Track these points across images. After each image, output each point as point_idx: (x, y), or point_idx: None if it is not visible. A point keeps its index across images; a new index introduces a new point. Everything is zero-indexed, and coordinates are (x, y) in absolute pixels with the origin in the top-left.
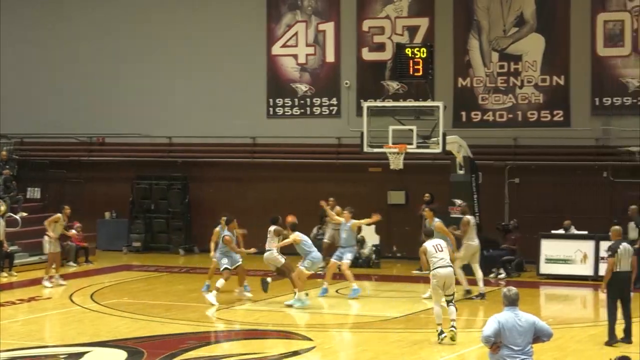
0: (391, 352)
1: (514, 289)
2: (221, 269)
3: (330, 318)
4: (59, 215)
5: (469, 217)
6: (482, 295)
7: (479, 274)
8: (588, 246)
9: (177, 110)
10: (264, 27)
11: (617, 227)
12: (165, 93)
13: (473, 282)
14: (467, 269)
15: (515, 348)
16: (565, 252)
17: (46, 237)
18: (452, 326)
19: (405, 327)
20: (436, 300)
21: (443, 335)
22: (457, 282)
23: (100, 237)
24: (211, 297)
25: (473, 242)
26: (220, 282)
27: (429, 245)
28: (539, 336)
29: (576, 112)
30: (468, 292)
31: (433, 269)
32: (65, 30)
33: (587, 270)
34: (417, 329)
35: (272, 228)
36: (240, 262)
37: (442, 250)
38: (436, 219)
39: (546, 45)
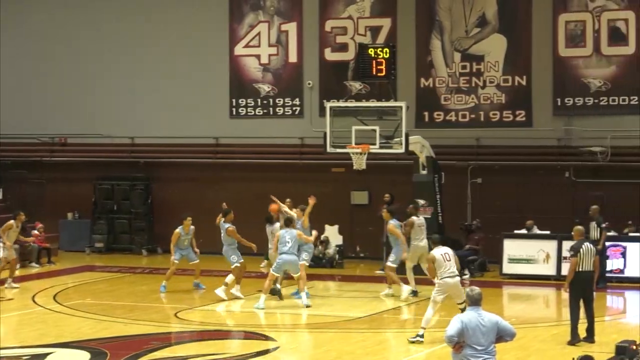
0: (355, 352)
1: (477, 289)
2: (232, 266)
3: (293, 318)
4: (11, 222)
5: (414, 218)
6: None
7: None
8: (550, 246)
9: (140, 110)
10: (227, 28)
11: (579, 227)
12: (127, 93)
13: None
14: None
15: (479, 348)
16: (528, 252)
17: (1, 244)
18: None
19: (368, 327)
20: (432, 306)
21: (420, 339)
22: (406, 282)
23: (63, 237)
24: (220, 291)
25: (420, 243)
26: (230, 278)
27: (437, 254)
28: (502, 336)
29: (538, 112)
30: (415, 292)
31: (441, 279)
32: (26, 31)
33: (549, 270)
34: (381, 329)
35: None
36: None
37: (449, 260)
38: (391, 221)
39: (508, 45)
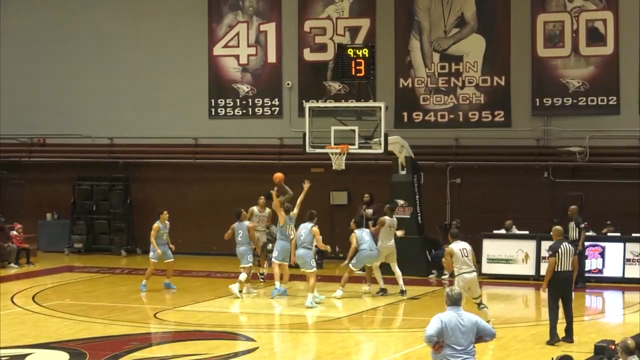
0: (335, 352)
1: (456, 289)
2: (247, 265)
3: (273, 319)
4: None
5: (386, 218)
6: (403, 292)
7: (397, 272)
8: (529, 246)
9: (119, 111)
10: (205, 28)
11: (558, 227)
12: (106, 93)
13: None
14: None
15: (458, 348)
16: (507, 252)
17: None
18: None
19: (348, 327)
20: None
21: None
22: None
23: (42, 238)
24: (234, 287)
25: (388, 243)
26: (243, 276)
27: (457, 248)
28: (481, 336)
29: (517, 112)
30: (383, 290)
31: (459, 274)
32: (4, 32)
33: (528, 270)
34: (361, 329)
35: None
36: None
37: (467, 256)
38: (356, 230)
39: (487, 46)
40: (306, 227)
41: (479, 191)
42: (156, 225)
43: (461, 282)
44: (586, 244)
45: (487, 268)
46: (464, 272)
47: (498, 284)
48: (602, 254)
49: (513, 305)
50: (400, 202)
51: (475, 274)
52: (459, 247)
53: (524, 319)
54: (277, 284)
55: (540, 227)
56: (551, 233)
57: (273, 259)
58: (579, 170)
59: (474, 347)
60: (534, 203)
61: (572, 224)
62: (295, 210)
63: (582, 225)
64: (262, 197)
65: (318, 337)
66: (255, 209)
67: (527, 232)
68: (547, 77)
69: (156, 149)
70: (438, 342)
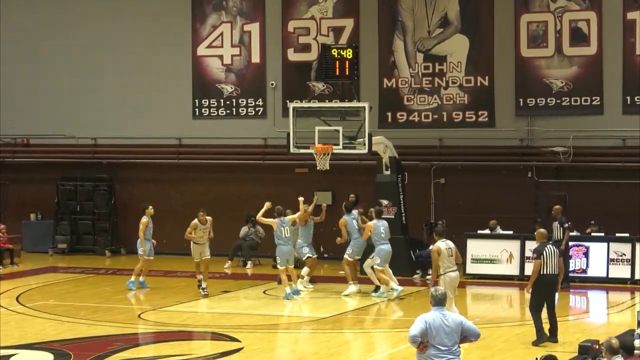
0: (320, 352)
1: (441, 289)
2: (304, 258)
3: (258, 319)
4: None
5: (373, 221)
6: (377, 288)
7: (368, 271)
8: (514, 246)
9: (102, 111)
10: (189, 28)
11: (541, 230)
12: (89, 93)
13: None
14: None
15: (442, 348)
16: (491, 252)
17: None
18: None
19: (333, 328)
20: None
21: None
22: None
23: (26, 238)
24: (300, 285)
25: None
26: (306, 270)
27: (443, 247)
28: (466, 336)
29: (500, 112)
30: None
31: (445, 273)
32: None
33: (513, 270)
34: (346, 329)
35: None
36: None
37: (452, 255)
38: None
39: (470, 46)
40: (384, 224)
41: (463, 191)
42: (145, 220)
43: (447, 280)
44: (570, 244)
45: (472, 268)
46: (449, 271)
47: (482, 284)
48: (586, 254)
49: (497, 305)
50: (385, 202)
51: (458, 272)
52: (446, 246)
53: (509, 319)
54: (288, 289)
55: (524, 227)
56: (535, 235)
57: (278, 266)
58: (563, 170)
59: (458, 347)
60: (517, 203)
61: (556, 224)
62: (292, 216)
63: (566, 225)
64: (201, 211)
65: (303, 337)
66: (196, 221)
67: (511, 232)
68: (530, 77)
69: (140, 149)
70: (422, 342)
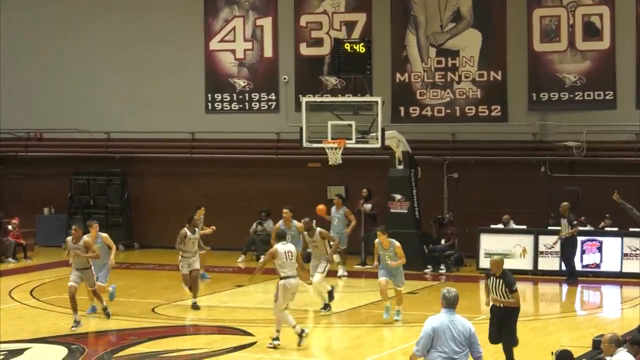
0: (332, 346)
1: (453, 291)
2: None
3: (271, 313)
4: None
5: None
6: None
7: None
8: (527, 240)
9: (115, 105)
10: (202, 22)
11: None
12: (103, 88)
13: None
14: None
15: (449, 353)
16: (505, 247)
17: None
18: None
19: (346, 322)
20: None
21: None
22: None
23: (39, 233)
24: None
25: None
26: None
27: (281, 250)
28: (470, 349)
29: (513, 107)
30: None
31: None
32: (2, 25)
33: (526, 264)
34: (359, 324)
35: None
36: None
37: (292, 260)
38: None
39: (483, 40)
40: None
41: (475, 186)
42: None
43: (288, 287)
44: (584, 238)
45: (485, 263)
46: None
47: None
48: (599, 249)
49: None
50: (398, 196)
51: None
52: (285, 249)
53: (522, 313)
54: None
55: (537, 221)
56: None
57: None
58: (576, 165)
59: (466, 351)
60: (531, 198)
61: (564, 222)
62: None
63: (575, 222)
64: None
65: (316, 332)
66: (187, 230)
67: (524, 227)
68: (543, 72)
69: (153, 143)
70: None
